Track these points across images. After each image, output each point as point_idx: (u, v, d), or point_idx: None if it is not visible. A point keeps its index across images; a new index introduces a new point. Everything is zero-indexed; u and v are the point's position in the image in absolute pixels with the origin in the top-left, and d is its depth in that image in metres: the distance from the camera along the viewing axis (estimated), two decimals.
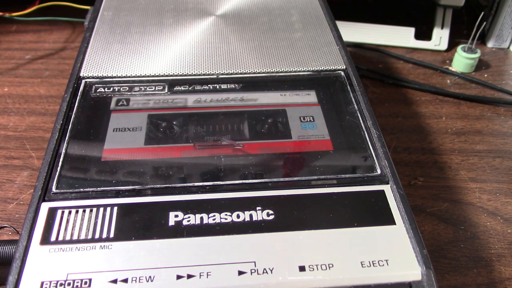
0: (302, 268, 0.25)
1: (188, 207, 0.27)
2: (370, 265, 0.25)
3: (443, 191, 0.41)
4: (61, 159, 0.30)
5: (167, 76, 0.37)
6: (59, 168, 0.29)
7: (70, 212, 0.27)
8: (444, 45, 0.60)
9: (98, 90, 0.36)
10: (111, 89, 0.36)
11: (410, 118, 0.49)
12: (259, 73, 0.38)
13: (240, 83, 0.37)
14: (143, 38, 0.41)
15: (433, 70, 0.56)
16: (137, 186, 0.29)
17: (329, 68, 0.39)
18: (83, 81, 0.36)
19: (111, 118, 0.34)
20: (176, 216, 0.27)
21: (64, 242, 0.26)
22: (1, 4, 0.57)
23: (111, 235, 0.26)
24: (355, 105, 0.35)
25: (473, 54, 0.55)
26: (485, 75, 0.56)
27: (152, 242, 0.26)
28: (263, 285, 0.24)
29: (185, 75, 0.37)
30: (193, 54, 0.39)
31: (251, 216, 0.27)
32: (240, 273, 0.25)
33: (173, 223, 0.27)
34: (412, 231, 0.27)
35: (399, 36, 0.61)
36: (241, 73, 0.38)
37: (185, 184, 0.29)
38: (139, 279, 0.24)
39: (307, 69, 0.38)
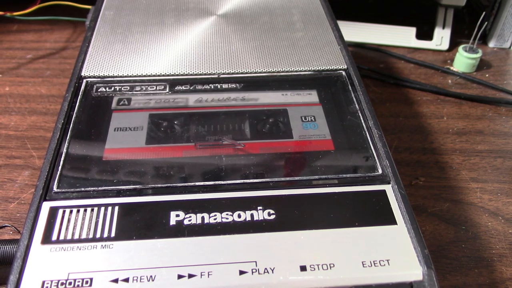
0: (303, 268, 0.25)
1: (189, 207, 0.27)
2: (371, 265, 0.25)
3: (444, 191, 0.41)
4: (62, 159, 0.30)
5: (168, 75, 0.37)
6: (60, 168, 0.29)
7: (71, 212, 0.27)
8: (445, 45, 0.60)
9: (99, 90, 0.36)
10: (112, 88, 0.36)
11: (411, 118, 0.49)
12: (260, 72, 0.38)
13: (241, 83, 0.37)
14: (144, 38, 0.41)
15: (434, 70, 0.56)
16: (138, 186, 0.29)
17: (331, 67, 0.39)
18: (84, 80, 0.36)
19: (112, 117, 0.34)
20: (177, 215, 0.27)
21: (65, 241, 0.26)
22: (2, 3, 0.57)
23: (112, 234, 0.26)
24: (356, 105, 0.35)
25: (474, 54, 0.55)
26: (487, 75, 0.56)
27: (153, 241, 0.26)
28: (264, 285, 0.24)
29: (186, 75, 0.37)
30: (194, 54, 0.39)
31: (252, 215, 0.27)
32: (241, 272, 0.25)
33: (174, 223, 0.27)
34: (413, 231, 0.27)
35: (401, 36, 0.61)
36: (242, 73, 0.38)
37: (186, 184, 0.29)
38: (140, 279, 0.24)
39: (308, 68, 0.38)
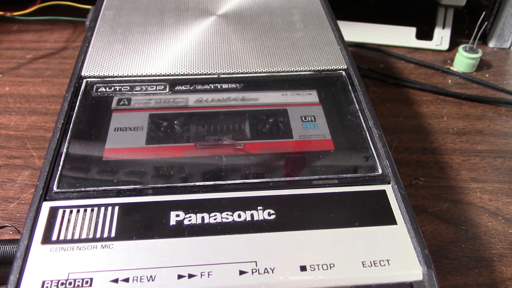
0: (303, 268, 0.25)
1: (189, 207, 0.27)
2: (371, 265, 0.25)
3: (444, 191, 0.41)
4: (62, 159, 0.30)
5: (168, 75, 0.37)
6: (60, 168, 0.29)
7: (71, 212, 0.27)
8: (445, 45, 0.60)
9: (99, 90, 0.36)
10: (112, 88, 0.36)
11: (411, 118, 0.49)
12: (260, 72, 0.38)
13: (241, 83, 0.37)
14: (144, 38, 0.41)
15: (434, 70, 0.56)
16: (138, 186, 0.29)
17: (331, 68, 0.39)
18: (84, 80, 0.36)
19: (112, 117, 0.34)
20: (177, 215, 0.27)
21: (65, 241, 0.26)
22: (2, 3, 0.57)
23: (112, 234, 0.26)
24: (357, 105, 0.35)
25: (474, 54, 0.55)
26: (487, 75, 0.56)
27: (153, 241, 0.26)
28: (264, 285, 0.24)
29: (186, 75, 0.37)
30: (194, 54, 0.39)
31: (252, 215, 0.27)
32: (241, 272, 0.25)
33: (174, 223, 0.27)
34: (413, 231, 0.27)
35: (401, 36, 0.61)
36: (242, 73, 0.38)
37: (186, 184, 0.29)
38: (140, 279, 0.24)
39: (308, 68, 0.38)
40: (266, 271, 0.25)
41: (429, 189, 0.41)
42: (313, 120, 0.34)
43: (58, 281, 0.24)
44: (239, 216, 0.27)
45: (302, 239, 0.26)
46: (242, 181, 0.29)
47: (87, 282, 0.24)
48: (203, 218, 0.27)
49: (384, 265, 0.25)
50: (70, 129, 0.32)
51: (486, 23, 0.57)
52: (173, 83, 0.37)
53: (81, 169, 0.30)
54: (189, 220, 0.27)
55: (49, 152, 0.30)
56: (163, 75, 0.37)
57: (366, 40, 0.60)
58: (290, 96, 0.36)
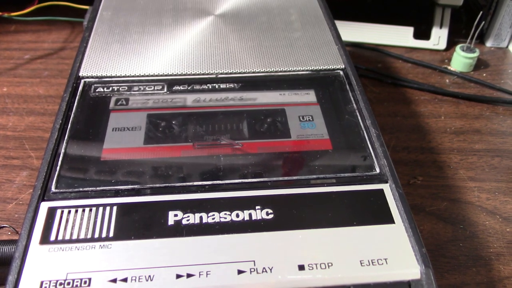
0: (301, 267, 0.25)
1: (188, 207, 0.27)
2: (369, 264, 0.25)
3: (442, 190, 0.41)
4: (60, 159, 0.30)
5: (166, 75, 0.37)
6: (58, 168, 0.29)
7: (69, 212, 0.27)
8: (443, 45, 0.60)
9: (97, 90, 0.36)
10: (110, 88, 0.36)
11: (409, 118, 0.49)
12: (258, 72, 0.38)
13: (239, 83, 0.37)
14: (142, 38, 0.41)
15: (432, 70, 0.56)
16: (136, 186, 0.29)
17: (328, 67, 0.39)
18: (82, 81, 0.36)
19: (110, 117, 0.34)
20: (176, 215, 0.27)
21: (63, 241, 0.26)
22: (0, 3, 0.57)
23: (111, 234, 0.26)
24: (354, 105, 0.35)
25: (472, 53, 0.55)
26: (484, 75, 0.56)
27: (152, 241, 0.26)
28: (263, 284, 0.24)
29: (184, 75, 0.38)
30: (192, 54, 0.39)
31: (250, 215, 0.27)
32: (240, 272, 0.25)
33: (172, 223, 0.27)
34: (411, 230, 0.27)
35: (398, 36, 0.61)
36: (240, 73, 0.38)
37: (184, 184, 0.29)
38: (139, 279, 0.24)
39: (306, 68, 0.38)
40: (264, 270, 0.25)
41: (427, 188, 0.41)
42: (311, 119, 0.34)
43: (57, 281, 0.24)
44: (237, 215, 0.27)
45: (300, 238, 0.26)
46: (240, 180, 0.29)
47: (85, 282, 0.24)
48: (201, 217, 0.27)
49: (382, 264, 0.25)
50: (68, 130, 0.32)
51: (483, 22, 0.57)
52: (171, 83, 0.37)
53: (79, 169, 0.30)
54: (187, 220, 0.27)
55: (47, 152, 0.30)
56: (161, 75, 0.37)
57: (364, 40, 0.60)
58: (288, 95, 0.36)
